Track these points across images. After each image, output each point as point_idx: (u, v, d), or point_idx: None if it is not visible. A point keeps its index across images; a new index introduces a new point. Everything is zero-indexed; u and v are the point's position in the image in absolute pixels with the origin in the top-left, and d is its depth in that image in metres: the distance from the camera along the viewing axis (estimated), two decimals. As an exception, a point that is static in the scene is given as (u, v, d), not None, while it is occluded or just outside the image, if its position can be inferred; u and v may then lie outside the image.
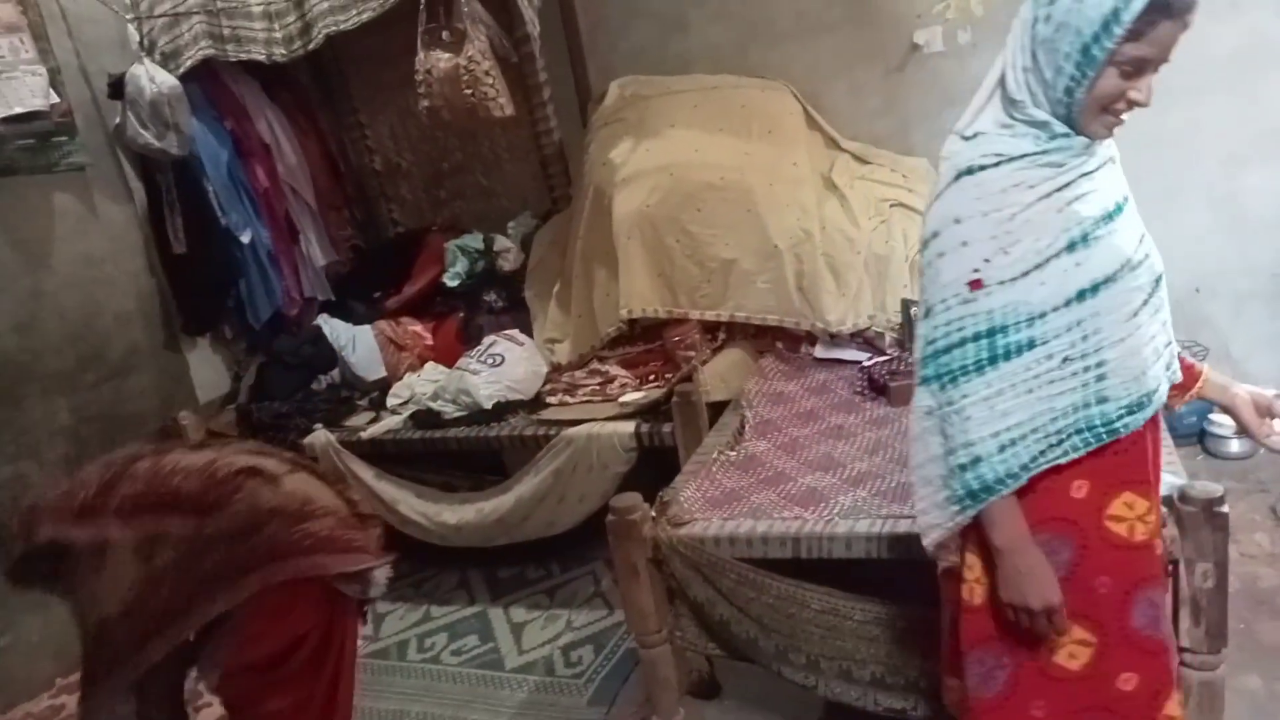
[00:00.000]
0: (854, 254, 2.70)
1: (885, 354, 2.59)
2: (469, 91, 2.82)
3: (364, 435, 2.91)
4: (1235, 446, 2.87)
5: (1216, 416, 2.92)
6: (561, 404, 2.85)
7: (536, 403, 2.89)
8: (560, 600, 2.79)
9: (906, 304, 2.46)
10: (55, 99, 2.79)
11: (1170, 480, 1.52)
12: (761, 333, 2.84)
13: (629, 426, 2.56)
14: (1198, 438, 2.95)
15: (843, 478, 1.97)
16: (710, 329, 2.85)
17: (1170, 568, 1.41)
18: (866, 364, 2.54)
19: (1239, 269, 2.92)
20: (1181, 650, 1.45)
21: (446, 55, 2.76)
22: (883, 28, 3.10)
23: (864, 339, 2.70)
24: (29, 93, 2.71)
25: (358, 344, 3.24)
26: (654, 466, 2.50)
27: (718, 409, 2.50)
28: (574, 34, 3.25)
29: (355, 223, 3.72)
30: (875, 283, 2.69)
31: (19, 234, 2.76)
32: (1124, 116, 1.22)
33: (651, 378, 2.82)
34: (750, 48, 3.27)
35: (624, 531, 1.78)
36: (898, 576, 1.66)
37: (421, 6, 2.75)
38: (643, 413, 2.61)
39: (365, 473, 2.89)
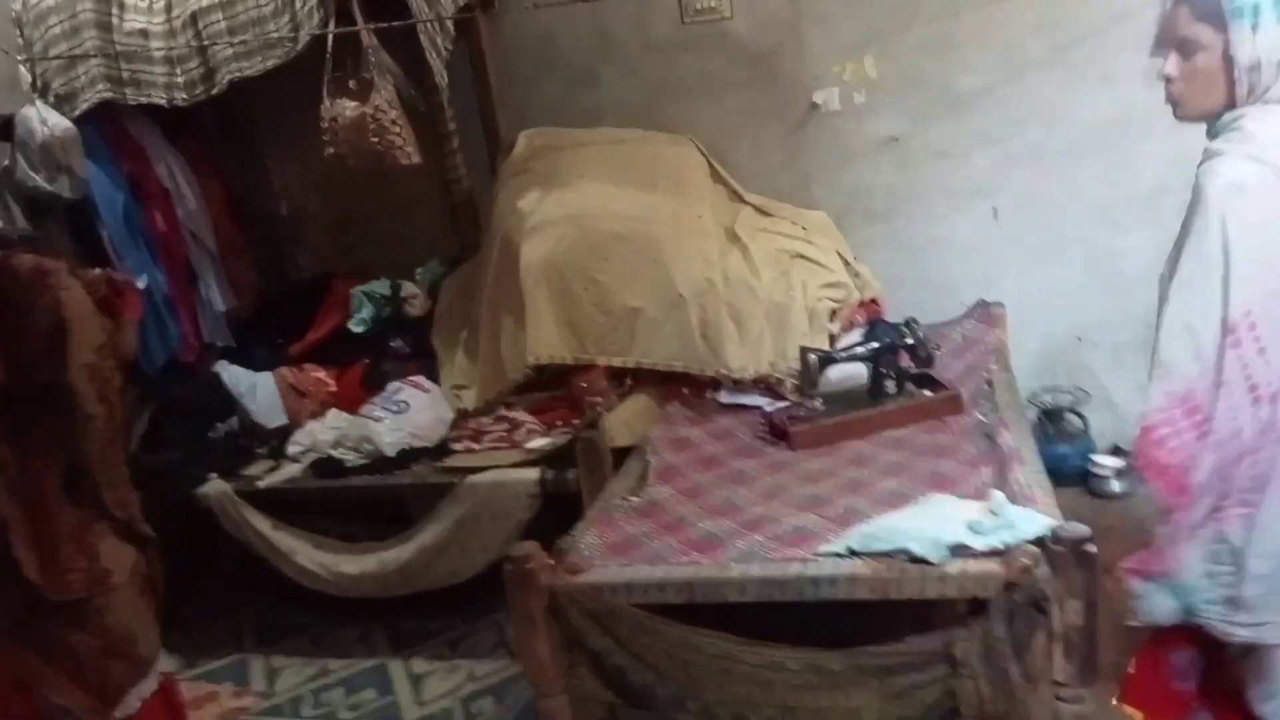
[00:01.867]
0: (755, 303, 2.77)
1: (785, 399, 2.65)
2: (375, 139, 2.82)
3: (261, 485, 2.83)
4: (1116, 486, 3.01)
5: (1099, 458, 3.07)
6: (467, 451, 2.83)
7: (442, 450, 2.86)
8: (463, 651, 2.75)
9: (804, 351, 2.53)
10: (-62, 137, 2.69)
11: (1043, 521, 1.59)
12: (668, 379, 2.87)
13: (533, 474, 2.55)
14: (1082, 478, 3.08)
15: (740, 522, 1.99)
16: (617, 375, 2.87)
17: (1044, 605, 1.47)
18: (768, 409, 2.60)
19: (1117, 320, 3.09)
20: (1055, 684, 1.51)
21: (353, 103, 2.76)
22: (783, 88, 3.23)
23: (766, 385, 2.76)
24: (-91, 133, 2.62)
25: (258, 391, 3.17)
26: (559, 514, 2.50)
27: (624, 455, 2.51)
28: (485, 85, 3.28)
29: (260, 268, 3.65)
30: (776, 331, 2.75)
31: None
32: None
33: (559, 424, 2.82)
34: (658, 103, 3.36)
35: (521, 581, 1.77)
36: (812, 619, 1.69)
37: (328, 55, 2.76)
38: (548, 459, 2.61)
39: (261, 523, 2.81)
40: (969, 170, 3.17)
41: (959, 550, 1.57)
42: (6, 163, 2.86)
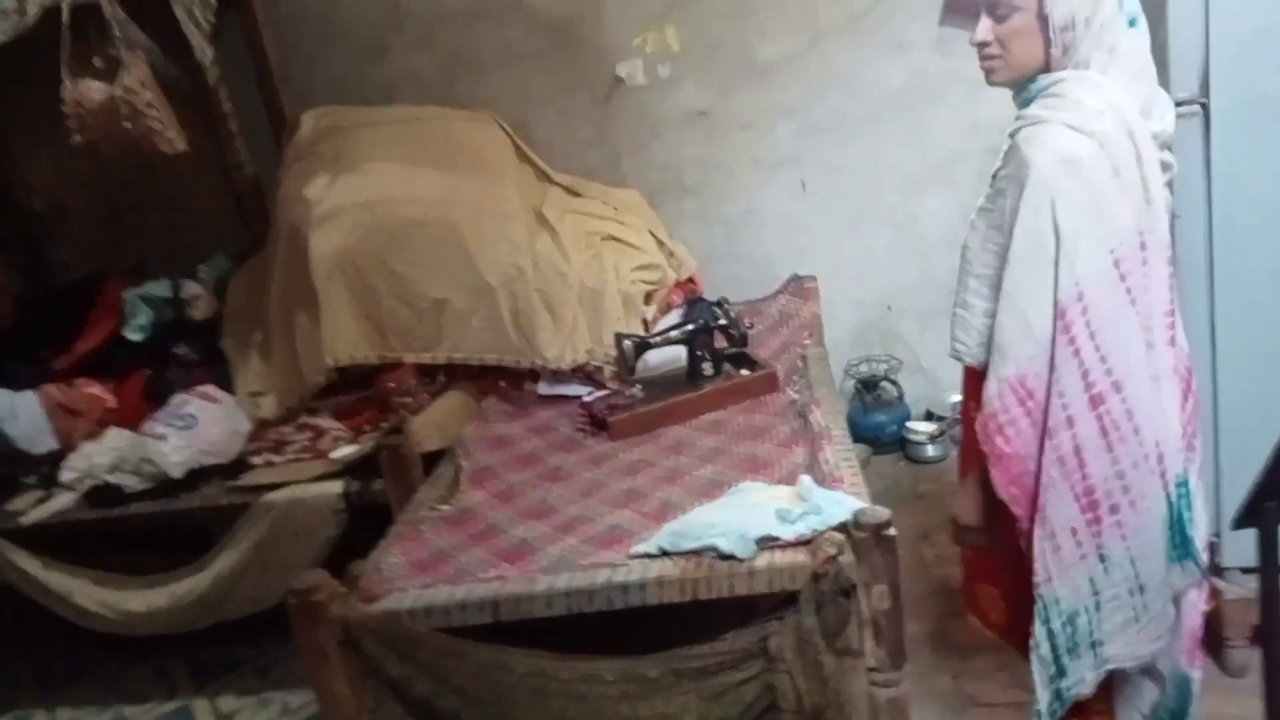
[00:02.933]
0: (568, 289, 2.67)
1: (605, 388, 2.57)
2: (128, 124, 2.53)
3: (25, 520, 2.51)
4: (931, 451, 3.10)
5: (914, 424, 3.15)
6: (267, 464, 2.60)
7: (239, 466, 2.62)
8: (274, 680, 2.54)
9: (619, 337, 2.45)
10: None
11: (849, 504, 1.57)
12: (484, 373, 2.73)
13: (336, 486, 2.37)
14: (900, 445, 3.17)
15: (554, 524, 1.90)
16: (429, 372, 2.71)
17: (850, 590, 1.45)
18: (587, 399, 2.51)
19: (922, 286, 3.17)
20: (869, 670, 1.49)
21: (99, 84, 2.46)
22: (587, 60, 3.13)
23: (585, 374, 2.66)
24: None
25: (19, 412, 2.79)
26: (371, 527, 2.33)
27: (432, 460, 2.36)
28: (263, 60, 3.01)
29: (13, 269, 3.24)
30: (590, 317, 2.66)
31: None
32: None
33: (367, 428, 2.64)
34: (456, 78, 3.18)
35: (308, 614, 1.61)
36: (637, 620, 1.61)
37: (65, 29, 2.43)
38: (354, 469, 2.43)
39: (28, 563, 2.49)
40: (774, 141, 3.16)
41: (767, 542, 1.53)
42: None
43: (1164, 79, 1.54)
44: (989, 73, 1.44)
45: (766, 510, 1.60)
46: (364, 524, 2.36)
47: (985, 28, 1.40)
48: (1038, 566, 1.42)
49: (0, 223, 3.23)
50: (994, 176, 1.46)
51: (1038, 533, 1.41)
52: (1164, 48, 1.81)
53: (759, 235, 3.26)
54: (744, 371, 2.41)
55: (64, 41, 2.46)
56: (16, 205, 3.27)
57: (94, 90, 2.48)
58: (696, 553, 1.56)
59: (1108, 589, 1.42)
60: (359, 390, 2.78)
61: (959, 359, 1.53)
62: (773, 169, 3.21)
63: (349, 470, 2.43)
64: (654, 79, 3.12)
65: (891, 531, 1.43)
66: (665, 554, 1.59)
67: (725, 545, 1.51)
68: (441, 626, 1.63)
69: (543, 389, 2.69)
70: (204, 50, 2.59)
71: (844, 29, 3.02)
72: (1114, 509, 1.40)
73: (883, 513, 1.44)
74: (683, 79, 3.12)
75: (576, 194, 3.02)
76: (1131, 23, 1.37)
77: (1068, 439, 1.37)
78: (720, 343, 2.43)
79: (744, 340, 2.43)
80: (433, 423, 2.49)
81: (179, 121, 2.60)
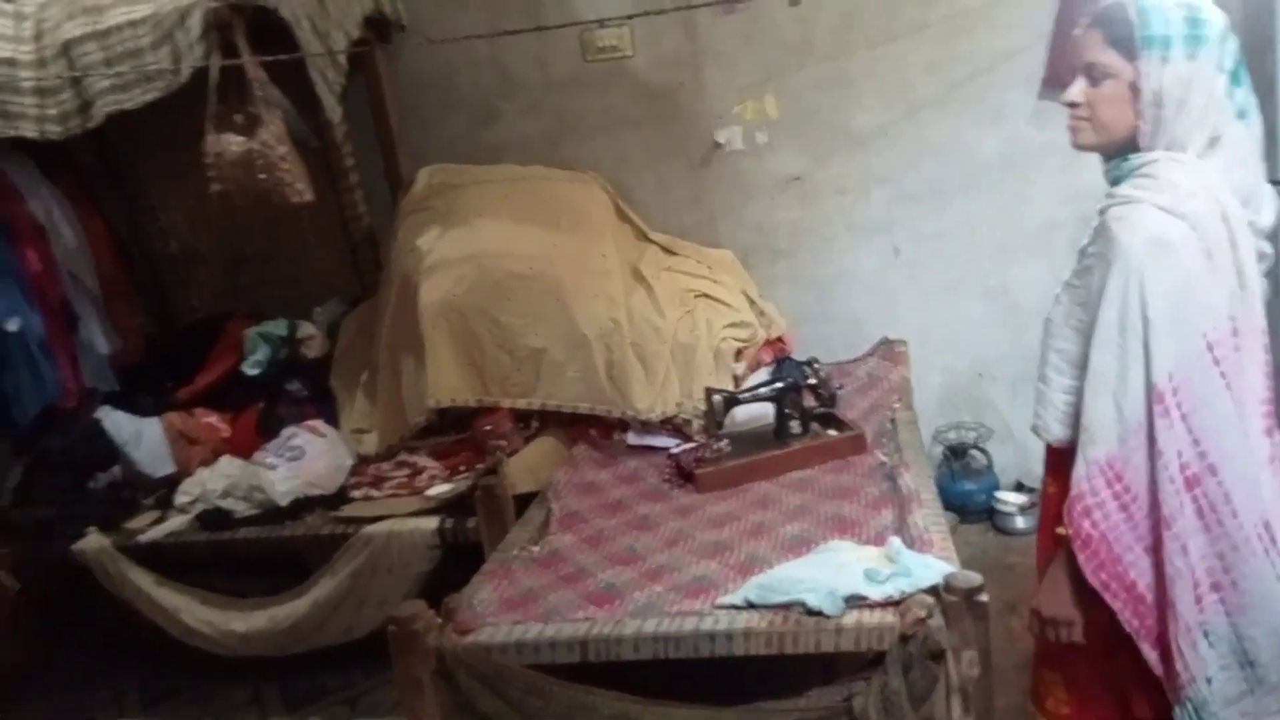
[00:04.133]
0: (661, 343, 2.74)
1: (692, 441, 2.62)
2: (263, 176, 2.71)
3: (143, 539, 2.67)
4: (1021, 522, 3.05)
5: (1003, 494, 3.11)
6: (366, 499, 2.73)
7: (340, 499, 2.75)
8: (363, 710, 2.61)
9: (710, 392, 2.50)
10: None
11: (939, 568, 1.58)
12: (575, 421, 2.82)
13: (432, 523, 2.46)
14: (987, 514, 3.12)
15: (641, 571, 1.95)
16: (523, 418, 2.81)
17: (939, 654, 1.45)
18: (674, 451, 2.56)
19: (1014, 354, 3.15)
20: (954, 736, 1.48)
21: (239, 139, 2.65)
22: (686, 126, 3.23)
23: (673, 426, 2.72)
24: None
25: (143, 438, 3.00)
26: (462, 564, 2.41)
27: (524, 502, 2.44)
28: (384, 120, 3.21)
29: (147, 310, 3.48)
30: (682, 371, 2.73)
31: None
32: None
33: (462, 468, 2.74)
34: (561, 140, 3.33)
35: (406, 644, 1.68)
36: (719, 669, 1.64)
37: (212, 88, 2.65)
38: (448, 507, 2.52)
39: (143, 579, 2.65)
40: (868, 207, 3.21)
41: (855, 601, 1.55)
42: None
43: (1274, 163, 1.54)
44: (1075, 132, 1.45)
45: (854, 569, 1.62)
46: (456, 560, 2.45)
47: (1078, 89, 1.42)
48: (1179, 667, 1.38)
49: (137, 267, 3.46)
50: (1081, 252, 1.47)
51: (1174, 630, 1.37)
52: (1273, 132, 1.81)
53: (849, 298, 3.30)
54: (831, 431, 2.44)
55: (210, 98, 2.67)
56: (152, 250, 3.52)
57: (233, 144, 2.68)
58: (784, 607, 1.59)
59: (1215, 661, 1.39)
60: (456, 432, 2.89)
61: (1037, 435, 1.54)
62: (865, 234, 3.25)
63: (444, 508, 2.53)
64: (751, 145, 3.21)
65: (984, 598, 1.43)
66: (752, 606, 1.62)
67: (813, 601, 1.53)
68: (530, 663, 1.69)
69: (631, 439, 2.76)
70: (333, 110, 2.77)
71: (940, 99, 3.07)
72: (1216, 586, 1.38)
73: (975, 578, 1.45)
74: (779, 145, 3.20)
75: (672, 253, 3.11)
76: (1241, 115, 1.37)
77: (1155, 522, 1.35)
78: (809, 402, 2.47)
79: (833, 400, 2.46)
80: (525, 466, 2.58)
81: (307, 174, 2.78)
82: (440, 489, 2.63)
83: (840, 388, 2.55)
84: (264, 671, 2.73)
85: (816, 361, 2.48)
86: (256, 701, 2.73)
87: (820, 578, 1.59)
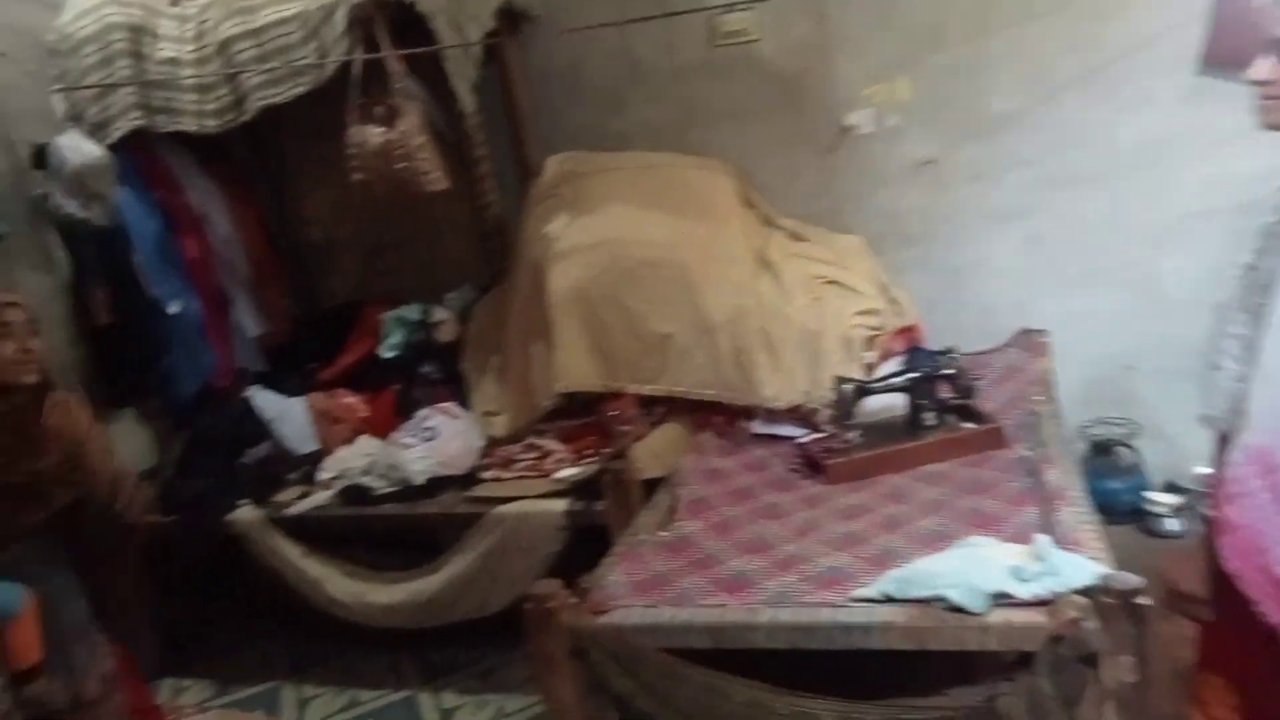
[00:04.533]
0: (788, 330, 2.71)
1: (820, 430, 2.58)
2: (401, 166, 2.82)
3: (290, 512, 2.82)
4: (1173, 525, 2.88)
5: (1153, 494, 2.94)
6: (496, 480, 2.80)
7: (471, 479, 2.83)
8: (494, 684, 2.70)
9: (840, 381, 2.46)
10: (-22, 168, 2.73)
11: (1092, 568, 1.51)
12: (700, 408, 2.82)
13: (560, 505, 2.51)
14: (1135, 516, 2.97)
15: (772, 560, 1.93)
16: (649, 403, 2.83)
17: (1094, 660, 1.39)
18: (802, 440, 2.53)
19: (1164, 347, 2.97)
20: (1106, 743, 1.42)
21: (378, 129, 2.76)
22: (814, 111, 3.18)
23: (800, 415, 2.69)
24: (-52, 164, 2.65)
25: (289, 417, 3.17)
26: (590, 546, 2.46)
27: (654, 486, 2.46)
28: (514, 110, 3.27)
29: (293, 294, 3.67)
30: (809, 359, 2.69)
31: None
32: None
33: (589, 452, 2.78)
34: (687, 127, 3.32)
35: (541, 621, 1.72)
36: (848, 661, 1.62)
37: (354, 81, 2.76)
38: (576, 490, 2.57)
39: (290, 551, 2.80)
40: (1005, 193, 3.09)
41: (1001, 599, 1.50)
42: (42, 190, 2.89)
43: None
44: (1265, 111, 1.36)
45: (998, 566, 1.57)
46: (582, 542, 2.50)
47: (1268, 66, 1.34)
48: None
49: (284, 253, 3.65)
50: (1265, 234, 1.39)
51: None
52: None
53: (983, 286, 3.18)
54: (968, 424, 2.36)
55: (352, 92, 2.79)
56: (297, 238, 3.70)
57: (374, 135, 2.79)
58: (924, 602, 1.55)
59: None
60: (583, 416, 2.93)
61: (1207, 424, 1.46)
62: (1001, 220, 3.13)
63: (572, 491, 2.57)
64: (882, 128, 3.13)
65: (1144, 600, 1.36)
66: (890, 600, 1.59)
67: (956, 597, 1.49)
68: (662, 646, 1.70)
69: (757, 427, 2.74)
70: (467, 100, 2.85)
71: (1083, 82, 2.92)
72: None
73: (1134, 579, 1.38)
74: (911, 129, 3.11)
75: (800, 238, 3.07)
76: None
77: None
78: (944, 393, 2.40)
79: (970, 391, 2.38)
80: (652, 452, 2.60)
81: (442, 164, 2.87)
82: (568, 472, 2.67)
83: (976, 379, 2.47)
84: (401, 643, 2.85)
85: (954, 350, 2.40)
86: (394, 671, 2.85)
87: (961, 573, 1.55)
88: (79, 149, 2.78)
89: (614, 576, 1.94)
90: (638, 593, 1.87)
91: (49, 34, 3.04)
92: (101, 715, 1.84)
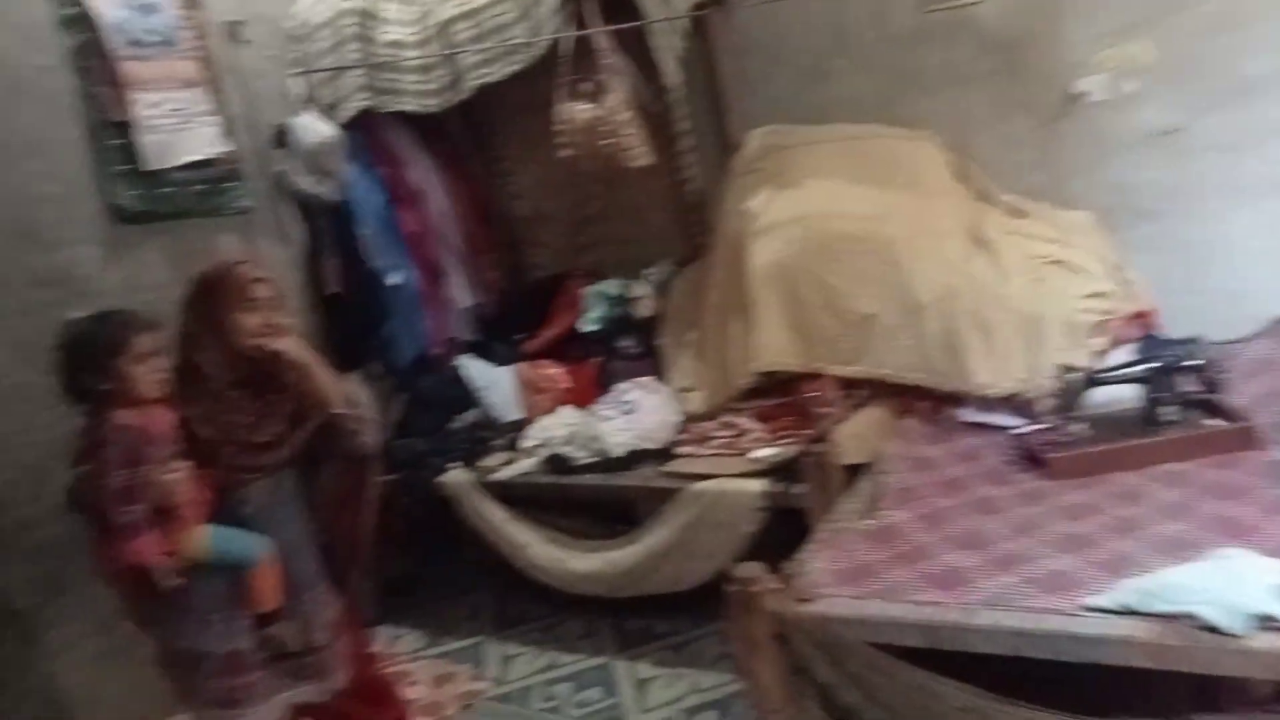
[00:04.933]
0: (1004, 312, 2.55)
1: (1040, 421, 2.42)
2: (607, 141, 2.85)
3: (496, 477, 2.95)
4: None
5: None
6: (692, 455, 2.81)
7: (666, 452, 2.86)
8: (687, 658, 2.73)
9: (1065, 370, 2.30)
10: (226, 147, 2.98)
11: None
12: (904, 392, 2.71)
13: (758, 485, 2.49)
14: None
15: (989, 559, 1.84)
16: (849, 385, 2.75)
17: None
18: (1019, 431, 2.39)
19: None
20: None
21: (586, 106, 2.81)
22: (1036, 78, 2.95)
23: (1016, 404, 2.54)
24: (203, 141, 2.91)
25: (497, 385, 3.31)
26: (785, 526, 2.43)
27: (853, 472, 2.40)
28: (716, 83, 3.24)
29: (500, 267, 3.81)
30: (1027, 344, 2.52)
31: (187, 273, 2.94)
32: None
33: (785, 433, 2.74)
34: (895, 98, 3.17)
35: (745, 603, 1.72)
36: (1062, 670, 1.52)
37: (563, 59, 2.81)
38: (774, 471, 2.54)
39: (496, 514, 2.93)
40: (1259, 165, 2.76)
41: (1265, 622, 1.35)
42: (281, 168, 3.14)
43: None
44: None
45: (1258, 584, 1.41)
46: (777, 523, 2.47)
47: None
48: None
49: (494, 227, 3.79)
50: None
51: None
52: None
53: (1228, 269, 2.86)
54: (1214, 421, 2.15)
55: (561, 69, 2.84)
56: (506, 212, 3.84)
57: (581, 111, 2.84)
58: (1170, 618, 1.42)
59: None
60: (779, 395, 2.88)
61: None
62: (1253, 195, 2.80)
63: (769, 471, 2.55)
64: (1116, 95, 2.87)
65: None
66: (1131, 613, 1.47)
67: (1210, 615, 1.36)
68: (870, 640, 1.66)
69: (967, 415, 2.61)
70: (673, 74, 2.85)
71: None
72: None
73: None
74: (1150, 95, 2.83)
75: (1020, 215, 2.88)
76: None
77: None
78: (1186, 386, 2.19)
79: (1217, 386, 2.16)
80: (853, 436, 2.52)
81: (646, 139, 2.88)
82: (765, 452, 2.65)
83: (1223, 372, 2.24)
84: (598, 609, 2.93)
85: (1200, 339, 2.19)
86: (591, 636, 2.94)
87: (1218, 588, 1.41)
88: (314, 129, 2.99)
89: (817, 563, 1.90)
90: (842, 582, 1.83)
91: (288, 20, 3.28)
92: (326, 660, 1.98)
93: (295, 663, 1.96)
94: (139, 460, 1.76)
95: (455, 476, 3.00)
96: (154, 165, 2.76)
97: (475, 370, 3.34)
